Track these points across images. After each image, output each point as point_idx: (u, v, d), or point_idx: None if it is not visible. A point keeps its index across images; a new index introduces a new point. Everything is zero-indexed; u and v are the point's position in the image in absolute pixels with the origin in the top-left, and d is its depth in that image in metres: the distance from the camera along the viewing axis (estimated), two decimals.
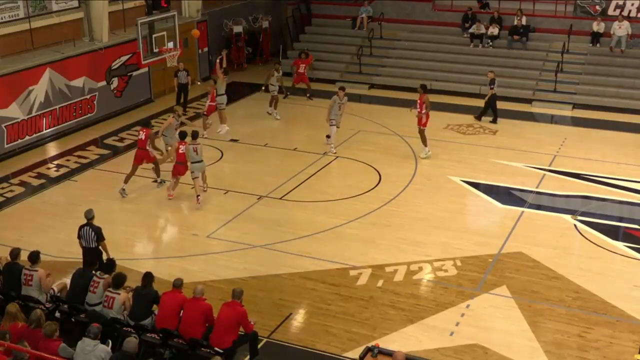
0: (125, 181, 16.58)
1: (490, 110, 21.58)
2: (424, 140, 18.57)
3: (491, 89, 21.34)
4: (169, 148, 17.67)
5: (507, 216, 15.64)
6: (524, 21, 25.42)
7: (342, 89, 19.18)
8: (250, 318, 10.44)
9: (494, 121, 21.47)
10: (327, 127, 19.07)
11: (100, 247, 12.34)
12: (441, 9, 27.28)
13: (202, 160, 16.12)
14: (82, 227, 12.40)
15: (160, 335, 10.34)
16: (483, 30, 25.82)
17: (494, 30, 25.73)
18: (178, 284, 10.61)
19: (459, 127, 21.08)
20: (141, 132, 16.67)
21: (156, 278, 10.97)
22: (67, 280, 11.67)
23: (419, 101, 18.34)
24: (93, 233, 12.26)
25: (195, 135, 16.18)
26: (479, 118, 21.64)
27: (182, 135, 16.27)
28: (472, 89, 23.93)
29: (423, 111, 18.26)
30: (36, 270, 11.07)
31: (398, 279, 13.08)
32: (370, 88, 25.36)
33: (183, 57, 22.47)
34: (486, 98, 21.58)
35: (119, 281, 10.72)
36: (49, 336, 9.41)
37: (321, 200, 16.36)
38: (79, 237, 12.44)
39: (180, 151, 16.11)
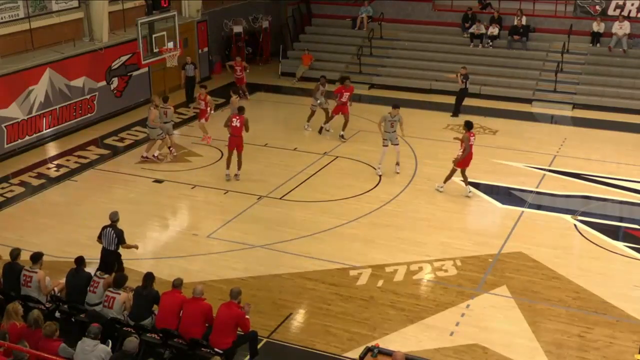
0: (227, 167, 17.24)
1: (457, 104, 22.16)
2: (448, 176, 16.51)
3: (459, 79, 21.91)
4: (164, 137, 18.39)
5: (507, 216, 15.64)
6: (524, 21, 25.42)
7: (396, 106, 17.47)
8: (245, 305, 10.39)
9: (455, 115, 21.89)
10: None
11: (119, 251, 12.26)
12: (441, 9, 27.28)
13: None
14: (104, 227, 12.30)
15: (160, 335, 10.34)
16: (483, 30, 25.83)
17: (494, 30, 25.74)
18: (178, 284, 10.62)
19: (459, 127, 21.01)
20: (234, 119, 16.96)
21: (156, 278, 10.97)
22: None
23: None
24: (114, 235, 12.13)
25: (165, 99, 18.60)
26: (455, 114, 22.11)
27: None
28: (472, 89, 23.79)
29: (460, 151, 16.17)
30: (35, 272, 11.06)
31: (398, 279, 13.08)
32: (370, 88, 25.37)
33: (183, 58, 22.49)
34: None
35: (120, 281, 10.73)
36: (49, 336, 9.41)
37: (321, 200, 16.36)
38: (100, 237, 12.36)
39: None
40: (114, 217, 12.32)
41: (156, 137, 18.38)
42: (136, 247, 12.58)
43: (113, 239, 12.15)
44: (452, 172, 16.43)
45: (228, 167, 17.31)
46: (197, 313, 10.24)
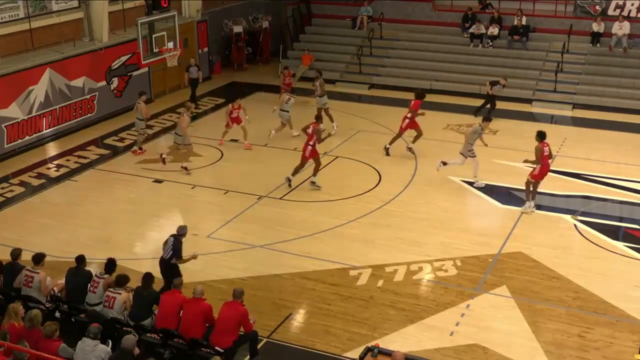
0: (294, 173, 16.88)
1: (488, 106, 22.15)
2: (527, 193, 15.75)
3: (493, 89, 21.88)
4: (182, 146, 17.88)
5: (507, 216, 15.64)
6: (524, 21, 25.42)
7: (489, 120, 17.22)
8: (250, 316, 10.44)
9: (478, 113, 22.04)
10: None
11: (172, 262, 11.92)
12: (441, 9, 27.28)
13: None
14: (170, 235, 12.03)
15: (160, 335, 10.34)
16: (483, 30, 25.83)
17: (494, 30, 25.74)
18: (177, 284, 10.62)
19: (459, 127, 21.06)
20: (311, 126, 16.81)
21: (156, 278, 10.98)
22: None
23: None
24: (171, 247, 11.85)
25: (140, 93, 18.77)
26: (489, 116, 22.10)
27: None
28: (472, 89, 23.95)
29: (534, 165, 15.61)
30: (37, 273, 11.05)
31: (398, 279, 13.08)
32: (370, 88, 25.37)
33: (183, 58, 22.48)
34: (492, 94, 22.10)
35: (121, 281, 10.72)
36: (49, 336, 9.40)
37: (321, 200, 16.36)
38: (165, 243, 12.08)
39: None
40: (181, 231, 12.03)
41: (180, 144, 17.84)
42: (195, 256, 12.09)
43: (169, 249, 11.86)
44: (528, 184, 15.66)
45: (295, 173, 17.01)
46: (197, 313, 10.24)
